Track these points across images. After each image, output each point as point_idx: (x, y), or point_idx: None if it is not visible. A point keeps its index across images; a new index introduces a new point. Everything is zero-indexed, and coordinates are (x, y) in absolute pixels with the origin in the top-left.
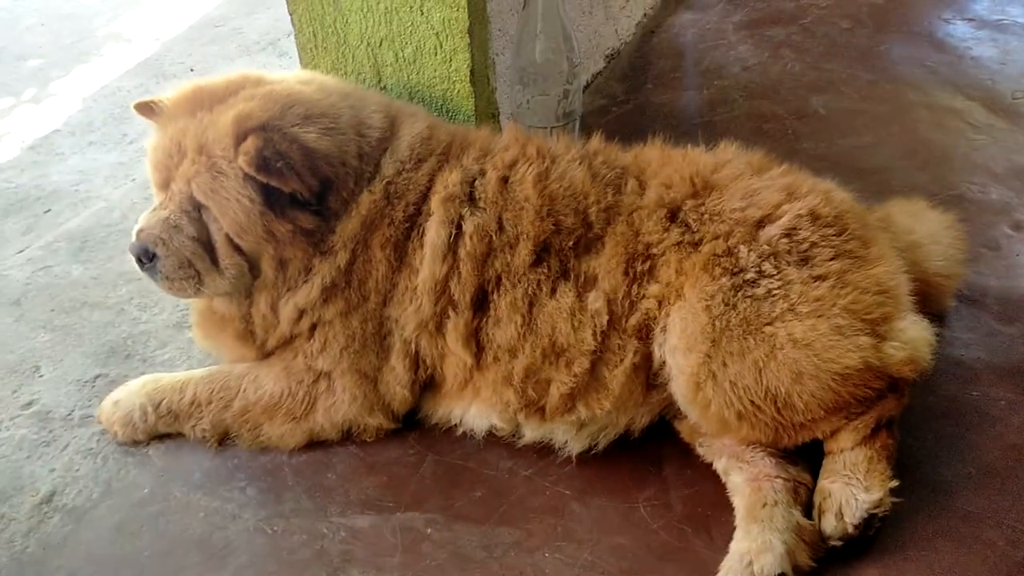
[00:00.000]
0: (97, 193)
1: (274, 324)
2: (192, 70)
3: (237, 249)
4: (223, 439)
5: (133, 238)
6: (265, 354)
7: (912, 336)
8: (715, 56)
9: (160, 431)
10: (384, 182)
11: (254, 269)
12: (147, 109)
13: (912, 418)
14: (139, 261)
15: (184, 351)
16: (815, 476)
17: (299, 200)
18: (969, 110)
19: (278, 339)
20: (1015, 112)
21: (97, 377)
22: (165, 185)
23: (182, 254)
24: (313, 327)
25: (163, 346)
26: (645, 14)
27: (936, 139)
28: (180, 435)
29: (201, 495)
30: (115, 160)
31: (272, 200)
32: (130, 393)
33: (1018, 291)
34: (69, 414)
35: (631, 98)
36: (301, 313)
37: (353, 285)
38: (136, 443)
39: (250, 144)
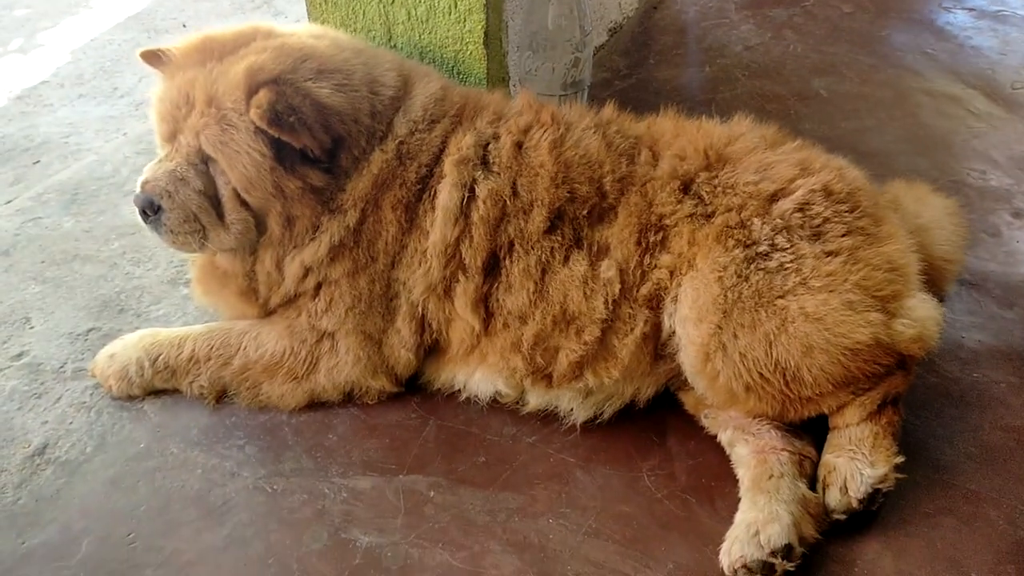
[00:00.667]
0: (88, 146)
1: (278, 282)
2: (185, 26)
3: (244, 204)
4: (221, 397)
5: (137, 189)
6: (267, 312)
7: (921, 314)
8: (717, 35)
9: (156, 387)
10: (397, 141)
11: (260, 225)
12: (154, 58)
13: (914, 398)
14: (143, 213)
15: (179, 307)
16: (819, 450)
17: (309, 157)
18: (969, 98)
19: (282, 297)
20: (1015, 102)
21: (90, 331)
22: (172, 137)
23: (188, 207)
24: (318, 286)
25: (157, 302)
26: None
27: (937, 125)
28: (176, 391)
29: (199, 452)
30: (105, 113)
31: (282, 155)
32: (126, 347)
33: (1018, 277)
34: (61, 367)
35: (634, 72)
36: (307, 271)
37: (362, 245)
38: (131, 398)
39: (263, 97)
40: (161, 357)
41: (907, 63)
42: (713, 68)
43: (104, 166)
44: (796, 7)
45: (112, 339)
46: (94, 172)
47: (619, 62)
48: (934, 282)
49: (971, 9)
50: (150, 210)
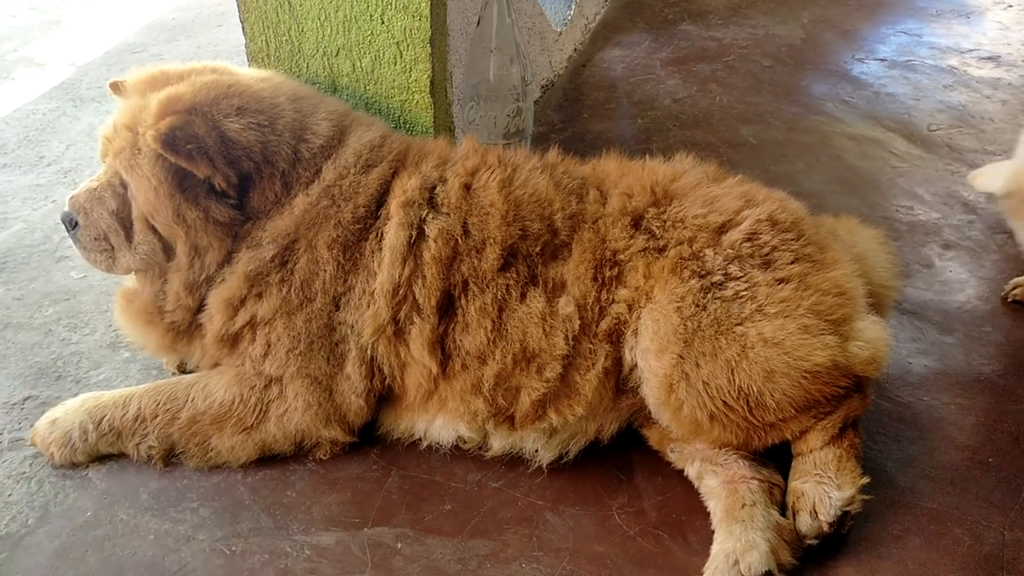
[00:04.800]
0: (15, 214)
1: (188, 307)
2: None
3: (152, 229)
4: (169, 457)
5: (66, 205)
6: (176, 339)
7: (872, 336)
8: (646, 89)
9: (102, 451)
10: (323, 186)
11: (168, 251)
12: (115, 88)
13: (870, 423)
14: (65, 226)
15: (121, 371)
16: (784, 478)
17: (217, 190)
18: (890, 140)
19: (215, 336)
20: (933, 142)
21: (27, 399)
22: (103, 158)
23: (99, 226)
24: (254, 329)
25: (97, 367)
26: (575, 48)
27: (862, 166)
28: (123, 456)
29: (150, 517)
30: (32, 182)
31: (186, 185)
32: (68, 412)
33: (954, 304)
34: None
35: (569, 126)
36: (231, 307)
37: (294, 285)
38: (75, 465)
39: (165, 122)
40: (105, 419)
41: (828, 110)
42: (645, 120)
43: (33, 233)
44: (718, 62)
45: (51, 407)
46: (23, 240)
47: (554, 116)
48: (874, 308)
49: (882, 59)
50: (69, 225)
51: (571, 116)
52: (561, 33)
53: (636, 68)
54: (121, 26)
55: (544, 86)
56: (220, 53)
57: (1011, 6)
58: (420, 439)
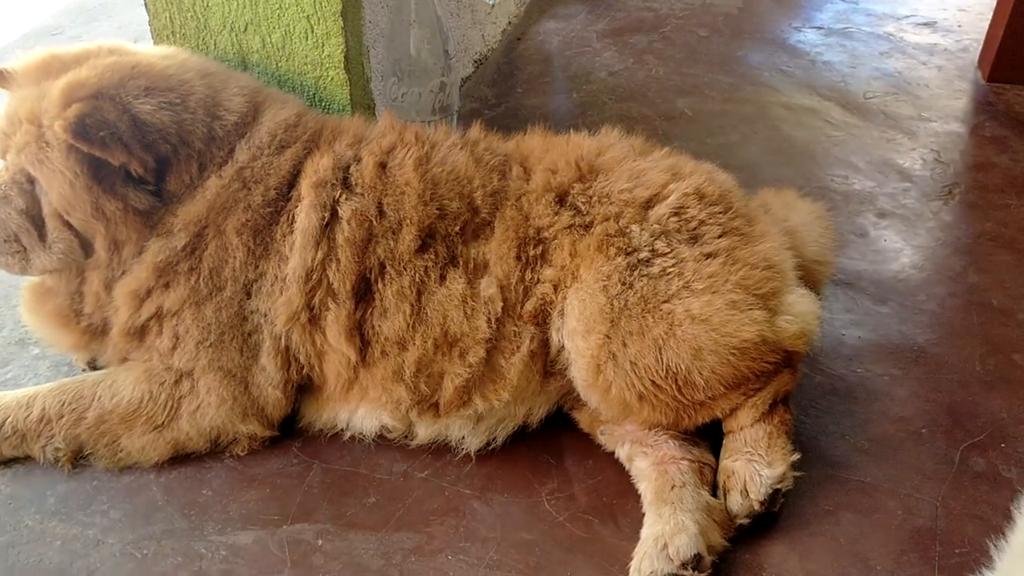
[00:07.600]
0: None
1: (107, 303)
2: None
3: (67, 225)
4: (77, 459)
5: None
6: (91, 341)
7: (802, 310)
8: (581, 62)
9: (6, 455)
10: (236, 167)
11: (86, 247)
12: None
13: (803, 397)
14: None
15: (30, 368)
16: (717, 457)
17: (133, 177)
18: (826, 109)
19: (121, 329)
20: (868, 110)
21: None
22: (4, 155)
23: (8, 227)
24: (162, 321)
25: (5, 364)
26: (510, 22)
27: (798, 136)
28: (30, 459)
29: (57, 522)
30: None
31: (101, 175)
32: None
33: (888, 273)
34: None
35: (502, 101)
36: (137, 297)
37: (203, 273)
38: None
39: (72, 111)
40: (8, 421)
41: (764, 80)
42: (580, 94)
43: None
44: (655, 33)
45: None
46: None
47: (487, 92)
48: (808, 284)
49: (819, 27)
50: None
51: (505, 91)
52: (494, 6)
53: (572, 41)
54: (39, 8)
55: (477, 61)
56: (143, 33)
57: None
58: (343, 430)
